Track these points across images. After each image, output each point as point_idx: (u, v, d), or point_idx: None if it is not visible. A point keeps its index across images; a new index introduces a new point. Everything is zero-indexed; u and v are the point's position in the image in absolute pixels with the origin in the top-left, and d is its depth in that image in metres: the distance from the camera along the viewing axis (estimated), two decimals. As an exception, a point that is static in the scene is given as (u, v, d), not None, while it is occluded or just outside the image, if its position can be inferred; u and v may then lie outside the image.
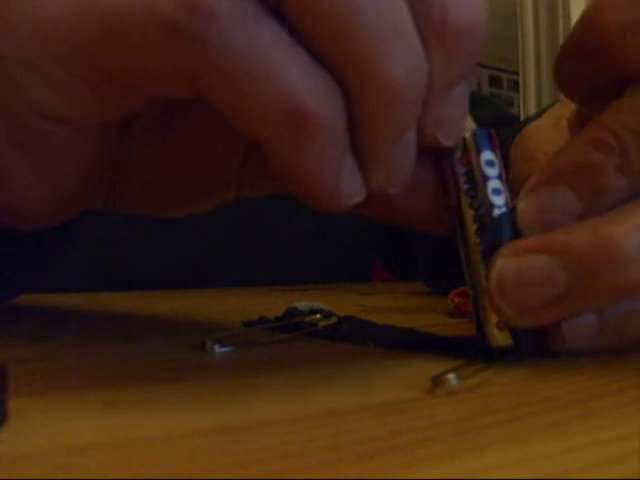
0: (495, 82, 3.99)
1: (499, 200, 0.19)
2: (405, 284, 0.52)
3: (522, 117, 0.79)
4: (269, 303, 0.37)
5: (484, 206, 0.19)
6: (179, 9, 0.15)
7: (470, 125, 0.20)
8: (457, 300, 0.30)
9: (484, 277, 0.19)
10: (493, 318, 0.19)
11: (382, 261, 0.62)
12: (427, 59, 0.17)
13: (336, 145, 0.17)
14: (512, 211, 0.20)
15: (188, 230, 0.47)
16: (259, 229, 0.55)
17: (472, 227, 0.19)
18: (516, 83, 2.80)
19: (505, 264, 0.18)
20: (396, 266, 0.61)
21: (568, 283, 0.18)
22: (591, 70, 0.21)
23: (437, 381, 0.16)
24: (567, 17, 2.17)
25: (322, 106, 0.16)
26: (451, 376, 0.16)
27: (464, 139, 0.20)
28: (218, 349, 0.20)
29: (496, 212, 0.19)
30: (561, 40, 2.16)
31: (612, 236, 0.18)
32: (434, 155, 0.20)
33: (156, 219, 0.26)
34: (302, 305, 0.29)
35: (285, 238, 0.55)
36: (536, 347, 0.19)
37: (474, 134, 0.20)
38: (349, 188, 0.18)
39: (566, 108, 0.25)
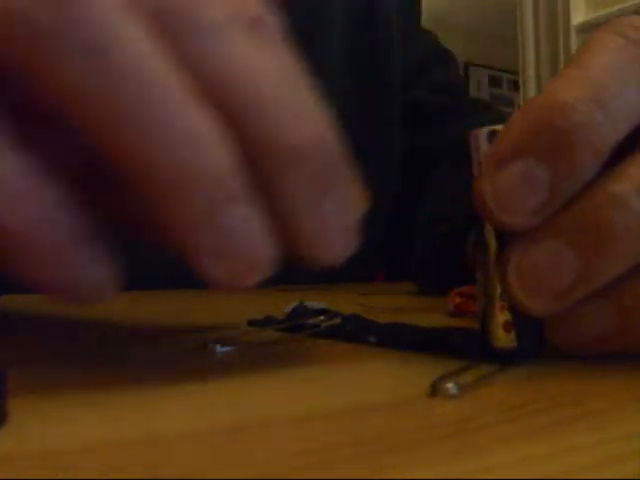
0: (495, 82, 3.99)
1: None
2: (405, 284, 0.52)
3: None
4: (269, 303, 0.37)
5: None
6: None
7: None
8: (457, 300, 0.30)
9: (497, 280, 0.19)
10: (501, 318, 0.19)
11: (384, 270, 0.62)
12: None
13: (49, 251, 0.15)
14: None
15: None
16: None
17: (489, 227, 0.19)
18: (516, 83, 2.80)
19: (517, 258, 0.18)
20: (398, 274, 0.61)
21: (578, 265, 0.17)
22: None
23: (436, 388, 0.16)
24: (567, 17, 2.17)
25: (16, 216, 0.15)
26: (450, 385, 0.16)
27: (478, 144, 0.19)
28: (219, 349, 0.20)
29: None
30: (561, 40, 2.16)
31: (617, 195, 0.17)
32: None
33: None
34: (309, 305, 0.29)
35: None
36: (539, 350, 0.19)
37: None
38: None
39: None
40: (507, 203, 0.18)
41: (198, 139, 0.15)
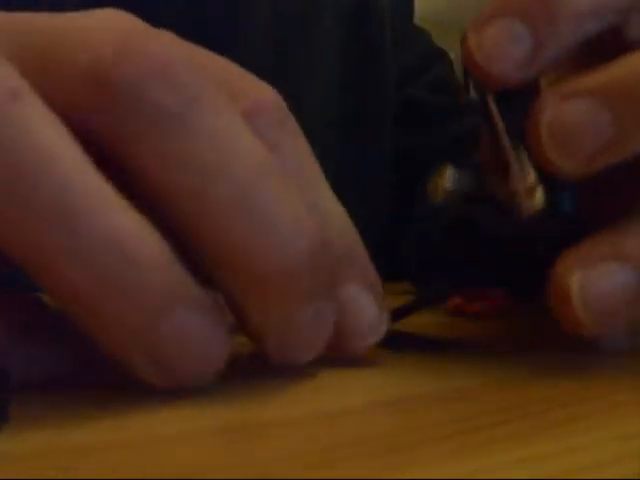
0: (495, 82, 3.98)
1: None
2: (404, 284, 0.52)
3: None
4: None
5: None
6: None
7: None
8: (457, 300, 0.30)
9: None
10: (520, 186, 0.18)
11: (383, 271, 0.62)
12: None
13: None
14: None
15: None
16: None
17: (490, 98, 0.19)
18: (516, 83, 2.79)
19: (550, 116, 0.17)
20: (396, 274, 0.61)
21: (615, 124, 0.17)
22: None
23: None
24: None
25: None
26: None
27: None
28: None
29: None
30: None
31: None
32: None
33: None
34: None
35: None
36: (572, 211, 0.18)
37: None
38: None
39: None
40: (492, 52, 0.18)
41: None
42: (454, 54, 0.67)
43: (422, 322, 0.29)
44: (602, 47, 0.19)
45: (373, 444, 0.12)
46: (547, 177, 0.18)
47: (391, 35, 0.58)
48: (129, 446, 0.12)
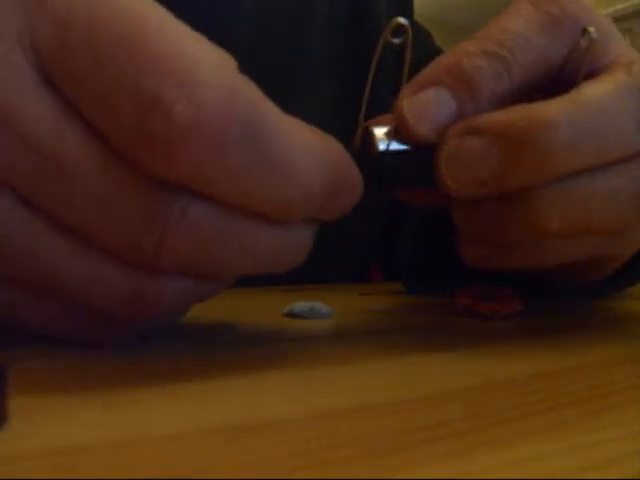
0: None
1: None
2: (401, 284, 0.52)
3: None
4: (269, 303, 0.37)
5: None
6: None
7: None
8: (466, 301, 0.31)
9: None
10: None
11: (379, 264, 0.62)
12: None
13: None
14: None
15: None
16: None
17: None
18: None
19: (451, 147, 0.21)
20: (391, 268, 0.61)
21: (499, 163, 0.21)
22: None
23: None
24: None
25: None
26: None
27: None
28: None
29: None
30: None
31: (546, 112, 0.21)
32: None
33: None
34: (302, 305, 0.29)
35: None
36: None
37: None
38: None
39: None
40: (422, 115, 0.22)
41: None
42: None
43: (431, 322, 0.29)
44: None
45: (373, 444, 0.12)
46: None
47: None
48: (129, 446, 0.12)
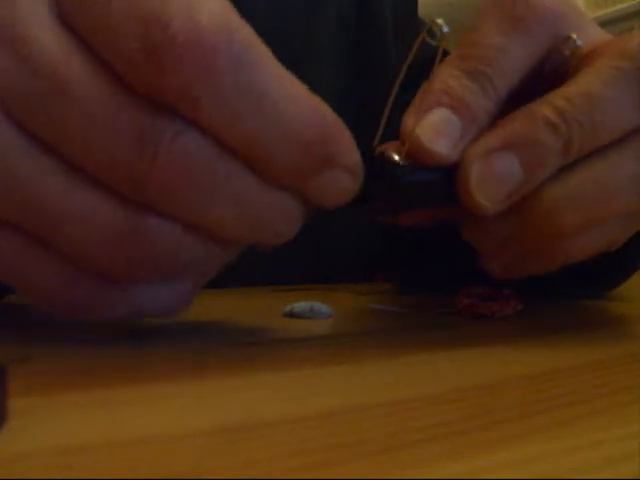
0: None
1: None
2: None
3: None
4: (269, 303, 0.37)
5: None
6: None
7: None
8: (466, 301, 0.31)
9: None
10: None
11: (383, 270, 0.62)
12: None
13: None
14: None
15: None
16: None
17: None
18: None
19: (478, 167, 0.22)
20: (396, 273, 0.61)
21: (522, 172, 0.22)
22: None
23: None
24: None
25: None
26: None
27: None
28: None
29: None
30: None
31: (552, 111, 0.22)
32: None
33: None
34: (302, 305, 0.29)
35: None
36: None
37: None
38: None
39: None
40: (436, 136, 0.22)
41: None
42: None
43: (431, 322, 0.29)
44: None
45: (373, 444, 0.12)
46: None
47: (393, 34, 0.58)
48: (129, 446, 0.12)
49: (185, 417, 0.14)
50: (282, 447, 0.12)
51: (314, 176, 0.19)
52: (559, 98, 0.22)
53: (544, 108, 0.22)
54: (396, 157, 0.22)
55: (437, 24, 0.21)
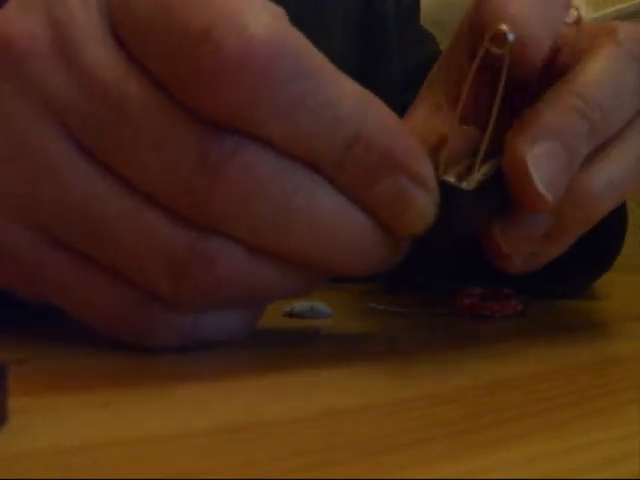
0: (495, 82, 3.97)
1: None
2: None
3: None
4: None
5: None
6: None
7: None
8: (467, 301, 0.31)
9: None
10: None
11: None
12: None
13: None
14: None
15: None
16: None
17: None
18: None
19: (532, 159, 0.21)
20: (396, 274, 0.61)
21: (568, 155, 0.21)
22: None
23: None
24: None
25: None
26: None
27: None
28: None
29: None
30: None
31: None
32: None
33: None
34: (302, 305, 0.29)
35: None
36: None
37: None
38: None
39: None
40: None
41: None
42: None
43: (431, 322, 0.29)
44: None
45: (372, 444, 0.12)
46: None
47: (397, 37, 0.58)
48: (128, 446, 0.12)
49: (185, 417, 0.14)
50: (282, 447, 0.12)
51: (379, 181, 0.18)
52: (580, 85, 0.22)
53: (569, 96, 0.22)
54: (463, 184, 0.20)
55: (501, 30, 0.19)
